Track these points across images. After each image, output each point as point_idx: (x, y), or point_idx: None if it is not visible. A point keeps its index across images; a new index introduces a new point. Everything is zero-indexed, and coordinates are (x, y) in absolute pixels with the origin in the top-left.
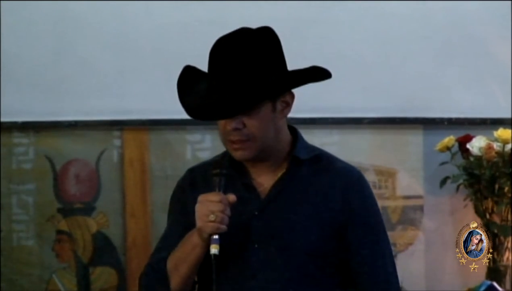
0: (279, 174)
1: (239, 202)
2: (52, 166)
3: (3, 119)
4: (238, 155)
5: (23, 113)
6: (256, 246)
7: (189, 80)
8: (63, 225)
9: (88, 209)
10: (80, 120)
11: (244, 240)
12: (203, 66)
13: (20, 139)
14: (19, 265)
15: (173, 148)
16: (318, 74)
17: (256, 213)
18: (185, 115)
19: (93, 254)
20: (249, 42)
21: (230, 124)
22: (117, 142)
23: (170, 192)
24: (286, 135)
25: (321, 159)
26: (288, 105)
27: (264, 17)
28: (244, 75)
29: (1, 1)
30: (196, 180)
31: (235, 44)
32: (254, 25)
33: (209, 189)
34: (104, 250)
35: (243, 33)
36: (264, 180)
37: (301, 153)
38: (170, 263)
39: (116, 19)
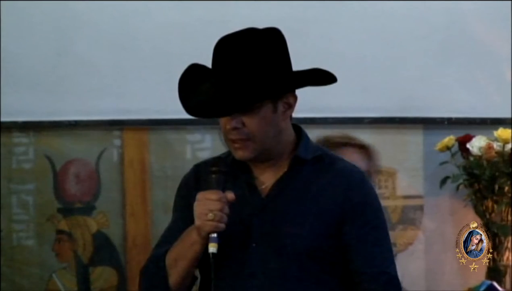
0: (281, 173)
1: (240, 200)
2: (52, 165)
3: (3, 119)
4: (238, 154)
5: (23, 113)
6: (255, 244)
7: (191, 78)
8: (63, 225)
9: (88, 209)
10: (80, 120)
11: (244, 238)
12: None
13: (20, 139)
14: (19, 265)
15: (173, 148)
16: (321, 78)
17: (256, 211)
18: (185, 115)
19: (93, 254)
20: (253, 41)
21: (230, 123)
22: (117, 142)
23: (170, 192)
24: (289, 135)
25: (324, 158)
26: (291, 106)
27: (264, 17)
28: (244, 74)
29: (1, 1)
30: (201, 176)
31: (238, 43)
32: (254, 25)
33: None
34: (104, 250)
35: (248, 32)
36: (266, 179)
37: (303, 153)
38: (169, 258)
39: (116, 19)
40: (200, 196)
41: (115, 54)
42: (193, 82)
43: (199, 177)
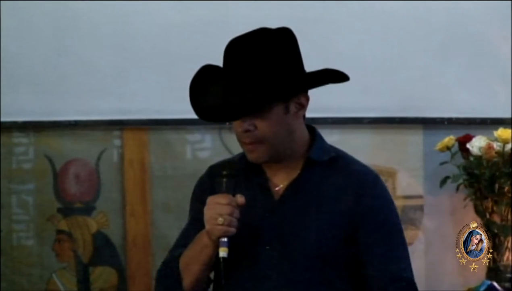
0: (294, 175)
1: (253, 203)
2: (52, 165)
3: (3, 119)
4: (251, 157)
5: (23, 113)
6: (267, 247)
7: (201, 81)
8: (63, 225)
9: (88, 209)
10: (80, 120)
11: (256, 241)
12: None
13: (20, 139)
14: (19, 265)
15: (173, 148)
16: (333, 77)
17: (269, 214)
18: (185, 115)
19: (93, 253)
20: (262, 43)
21: (242, 126)
22: (117, 142)
23: (170, 192)
24: (302, 136)
25: (337, 160)
26: (303, 107)
27: (264, 17)
28: (253, 76)
29: (1, 1)
30: (216, 178)
31: (247, 45)
32: (253, 25)
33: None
34: (104, 250)
35: (258, 33)
36: (279, 181)
37: (316, 155)
38: (182, 262)
39: (116, 19)
40: (210, 200)
41: (115, 54)
42: (204, 85)
43: (213, 179)
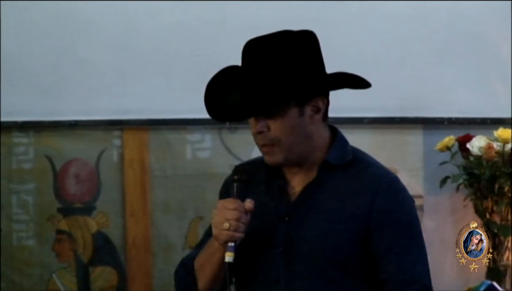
0: (311, 179)
1: (269, 204)
2: (52, 165)
3: (3, 119)
4: (267, 159)
5: (23, 113)
6: (280, 250)
7: (218, 81)
8: (63, 225)
9: (88, 209)
10: (80, 120)
11: (268, 243)
12: (204, 65)
13: (20, 139)
14: (19, 265)
15: (173, 148)
16: (352, 82)
17: (283, 216)
18: (185, 115)
19: (93, 254)
20: (280, 44)
21: (255, 127)
22: (117, 142)
23: (170, 192)
24: (321, 139)
25: (355, 163)
26: (319, 110)
27: (264, 17)
28: (265, 77)
29: (1, 1)
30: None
31: (266, 45)
32: (253, 25)
33: (255, 187)
34: (104, 250)
35: (279, 35)
36: (297, 184)
37: (333, 158)
38: (197, 263)
39: (116, 19)
40: (219, 204)
41: (115, 54)
42: (219, 86)
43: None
